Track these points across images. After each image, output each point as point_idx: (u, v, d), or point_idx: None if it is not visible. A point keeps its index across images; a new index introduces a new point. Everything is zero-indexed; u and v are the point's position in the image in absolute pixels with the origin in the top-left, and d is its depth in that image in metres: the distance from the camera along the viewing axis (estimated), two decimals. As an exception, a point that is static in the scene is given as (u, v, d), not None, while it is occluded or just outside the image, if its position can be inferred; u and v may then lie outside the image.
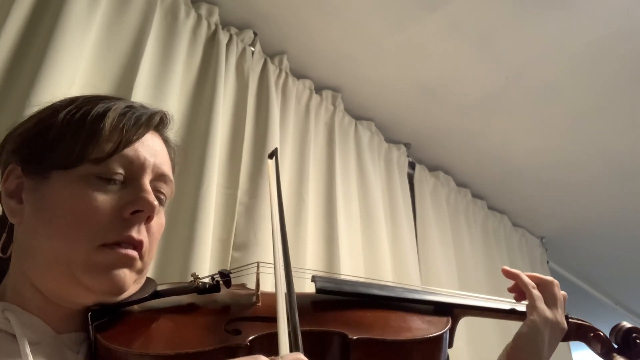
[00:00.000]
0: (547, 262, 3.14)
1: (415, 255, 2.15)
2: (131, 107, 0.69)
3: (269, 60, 1.88)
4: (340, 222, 1.83)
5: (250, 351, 0.62)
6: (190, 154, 1.48)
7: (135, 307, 0.69)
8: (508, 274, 0.90)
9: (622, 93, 2.10)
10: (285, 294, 0.56)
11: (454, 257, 2.36)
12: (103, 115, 0.65)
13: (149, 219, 0.66)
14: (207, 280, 0.77)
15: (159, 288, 0.73)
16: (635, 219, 2.90)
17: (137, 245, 0.65)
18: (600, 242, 3.14)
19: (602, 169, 2.55)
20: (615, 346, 0.90)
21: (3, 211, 0.68)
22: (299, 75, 2.02)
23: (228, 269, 1.44)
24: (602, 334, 0.91)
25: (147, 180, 0.67)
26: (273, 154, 0.83)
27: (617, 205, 2.81)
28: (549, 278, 0.88)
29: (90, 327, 0.64)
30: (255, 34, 1.86)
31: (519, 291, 0.89)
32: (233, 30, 1.80)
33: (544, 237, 3.19)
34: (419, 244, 2.24)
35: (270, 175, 0.78)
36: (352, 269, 1.79)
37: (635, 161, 2.49)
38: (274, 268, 0.61)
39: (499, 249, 2.75)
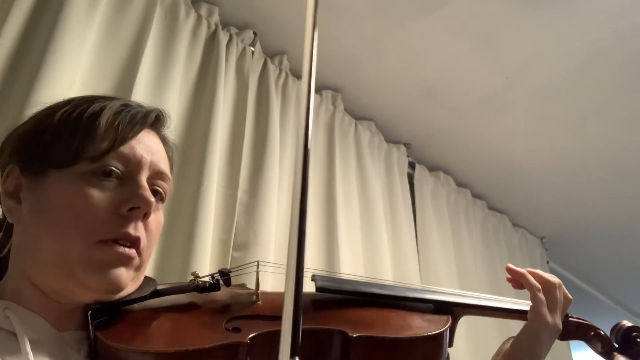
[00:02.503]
0: (547, 262, 3.14)
1: (415, 255, 2.15)
2: (127, 106, 0.70)
3: (269, 60, 1.88)
4: (340, 222, 1.83)
5: (251, 349, 0.62)
6: (190, 154, 1.48)
7: (135, 305, 0.70)
8: (512, 272, 0.88)
9: (622, 93, 2.10)
10: (293, 297, 0.55)
11: (454, 257, 2.36)
12: (98, 113, 0.66)
13: (145, 215, 0.66)
14: (207, 279, 0.77)
15: (159, 287, 0.73)
16: (635, 219, 2.90)
17: (134, 242, 0.65)
18: (601, 242, 3.14)
19: (602, 169, 2.55)
20: (616, 345, 0.89)
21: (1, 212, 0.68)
22: (299, 76, 2.02)
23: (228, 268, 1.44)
24: (602, 333, 0.91)
25: (143, 177, 0.67)
26: None
27: (617, 205, 2.81)
28: (553, 280, 0.86)
29: (90, 325, 0.64)
30: (255, 34, 1.86)
31: (520, 284, 0.88)
32: (233, 30, 1.80)
33: (544, 237, 3.19)
34: (419, 243, 2.24)
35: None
36: (352, 268, 1.79)
37: (636, 161, 2.49)
38: (287, 266, 0.59)
39: (499, 249, 2.75)
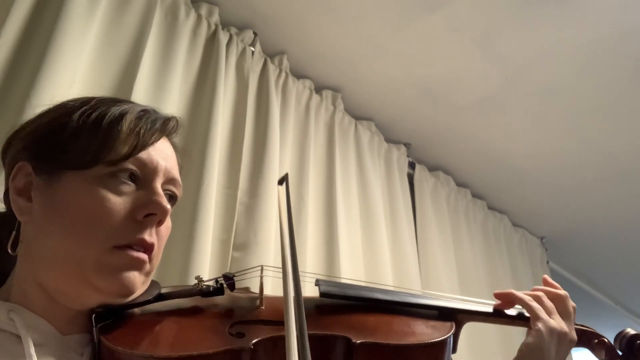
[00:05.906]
0: (547, 262, 3.13)
1: (415, 255, 2.15)
2: (146, 111, 0.70)
3: (269, 60, 1.88)
4: (340, 222, 1.83)
5: (254, 354, 0.62)
6: (190, 154, 1.48)
7: (139, 309, 0.69)
8: (499, 296, 0.89)
9: (622, 93, 2.10)
10: (294, 304, 0.55)
11: (454, 257, 2.36)
12: (120, 118, 0.66)
13: (160, 222, 0.67)
14: (211, 283, 0.77)
15: (163, 291, 0.73)
16: (635, 218, 2.90)
17: (148, 248, 0.65)
18: (601, 241, 3.14)
19: (602, 169, 2.55)
20: (620, 353, 0.88)
21: (8, 208, 0.68)
22: (299, 75, 2.01)
23: (228, 269, 1.44)
24: (606, 340, 0.90)
25: (159, 184, 0.68)
26: (283, 180, 0.79)
27: (617, 205, 2.81)
28: (538, 292, 0.86)
29: (94, 328, 0.64)
30: (255, 34, 1.86)
31: (511, 302, 0.87)
32: (233, 30, 1.80)
33: (544, 237, 3.19)
34: (419, 244, 2.24)
35: (281, 202, 0.74)
36: (352, 269, 1.79)
37: (636, 161, 2.49)
38: (283, 282, 0.60)
39: (499, 249, 2.75)
